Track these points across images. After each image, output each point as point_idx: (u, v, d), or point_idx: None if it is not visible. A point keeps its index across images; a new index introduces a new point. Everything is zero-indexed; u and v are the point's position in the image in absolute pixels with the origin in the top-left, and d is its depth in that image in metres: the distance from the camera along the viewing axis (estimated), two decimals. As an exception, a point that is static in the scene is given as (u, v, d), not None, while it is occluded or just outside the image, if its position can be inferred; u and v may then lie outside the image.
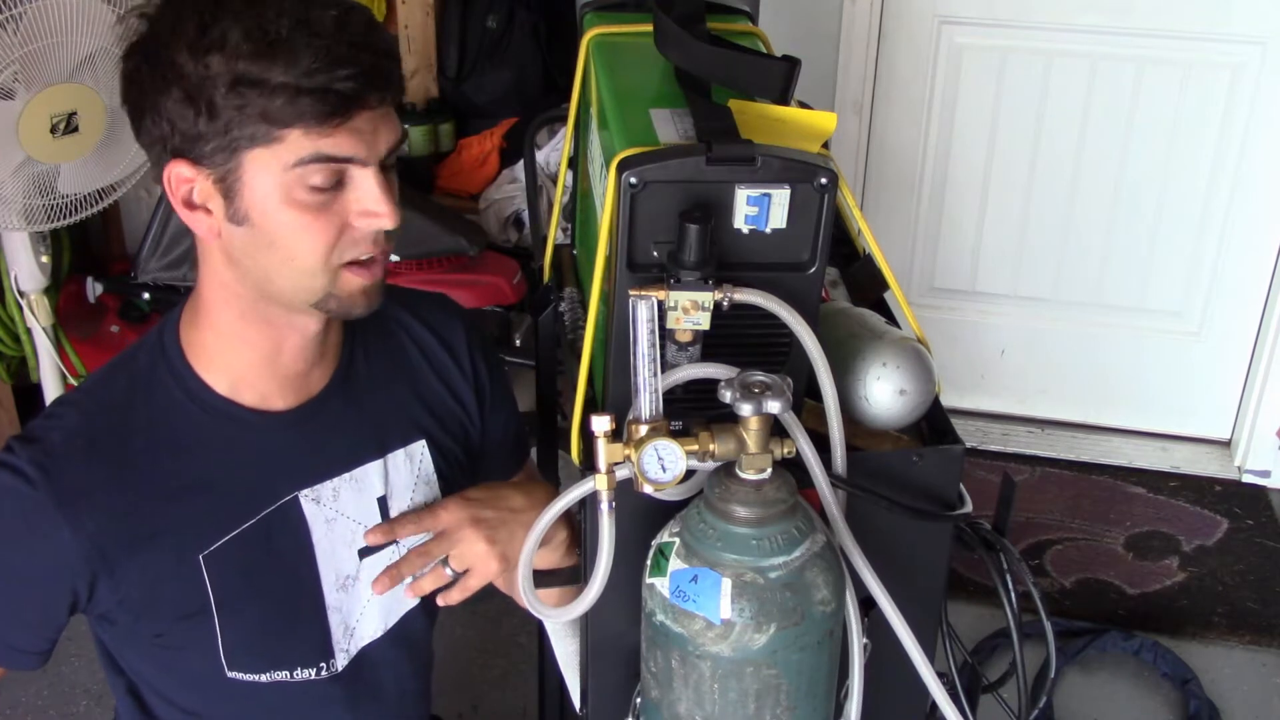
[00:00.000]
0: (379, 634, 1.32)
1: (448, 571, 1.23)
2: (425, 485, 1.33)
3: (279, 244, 1.09)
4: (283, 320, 1.17)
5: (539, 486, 1.29)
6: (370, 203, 1.09)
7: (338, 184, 1.08)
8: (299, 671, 1.27)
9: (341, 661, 1.30)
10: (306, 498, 1.24)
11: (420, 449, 1.32)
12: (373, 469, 1.28)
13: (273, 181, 1.06)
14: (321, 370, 1.25)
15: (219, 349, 1.18)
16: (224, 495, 1.20)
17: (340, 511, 1.26)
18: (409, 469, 1.32)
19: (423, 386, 1.34)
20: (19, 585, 1.17)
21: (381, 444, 1.29)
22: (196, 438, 1.18)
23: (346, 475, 1.26)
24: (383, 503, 1.29)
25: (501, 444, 1.44)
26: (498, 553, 1.22)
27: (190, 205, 1.11)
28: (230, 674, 1.23)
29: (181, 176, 1.09)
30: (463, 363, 1.37)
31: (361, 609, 1.30)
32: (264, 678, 1.25)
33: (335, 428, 1.26)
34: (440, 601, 1.25)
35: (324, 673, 1.28)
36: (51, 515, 1.12)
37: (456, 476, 1.37)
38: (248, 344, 1.18)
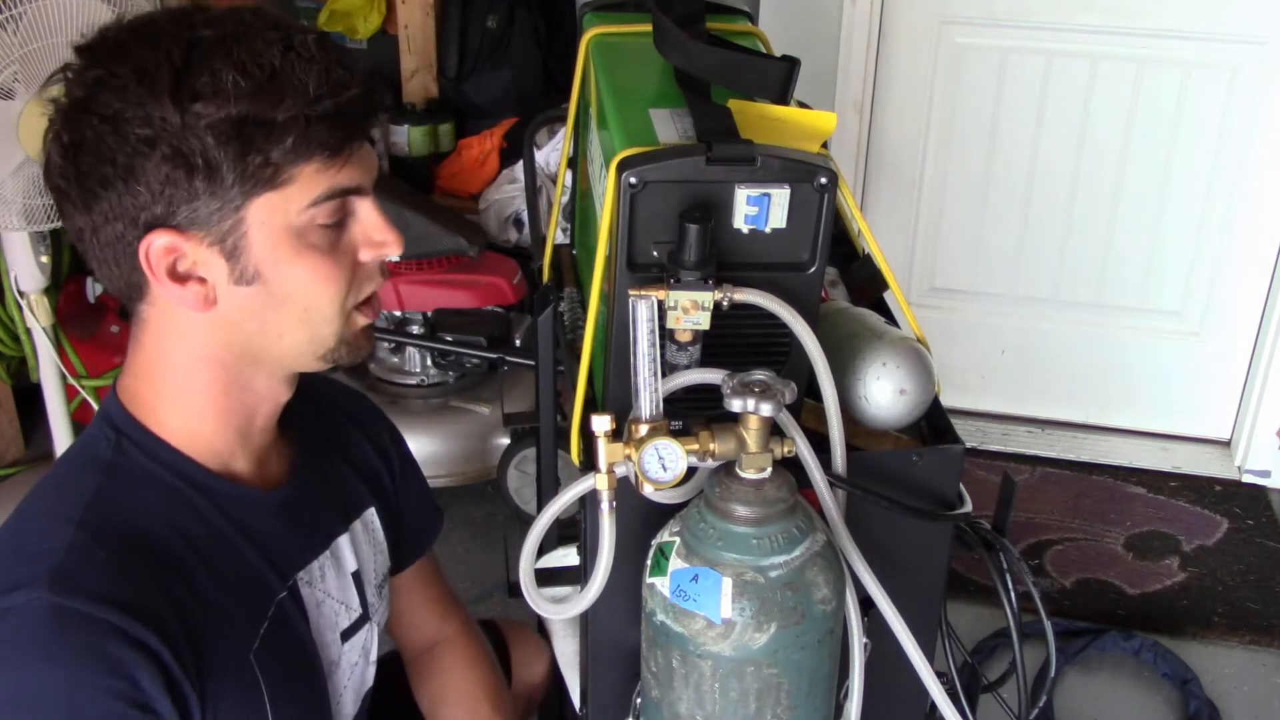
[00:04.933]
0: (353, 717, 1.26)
1: None
2: (380, 554, 1.28)
3: (294, 297, 1.00)
4: (264, 387, 1.08)
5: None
6: (376, 232, 1.03)
7: (341, 220, 1.01)
8: None
9: None
10: (302, 580, 1.15)
11: (371, 516, 1.27)
12: (344, 543, 1.22)
13: (284, 230, 0.98)
14: (278, 447, 1.16)
15: (195, 430, 1.06)
16: (246, 584, 1.08)
17: (327, 593, 1.19)
18: (367, 539, 1.26)
19: (355, 453, 1.27)
20: None
21: (345, 515, 1.23)
22: (206, 525, 1.06)
23: (327, 553, 1.19)
24: (357, 578, 1.23)
25: (419, 511, 1.38)
26: None
27: (177, 278, 0.99)
28: None
29: (165, 248, 0.97)
30: (375, 427, 1.33)
31: (339, 695, 1.22)
32: None
33: (312, 504, 1.18)
34: None
35: None
36: (114, 643, 0.94)
37: (399, 542, 1.32)
38: (221, 419, 1.07)
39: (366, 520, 1.26)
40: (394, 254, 1.04)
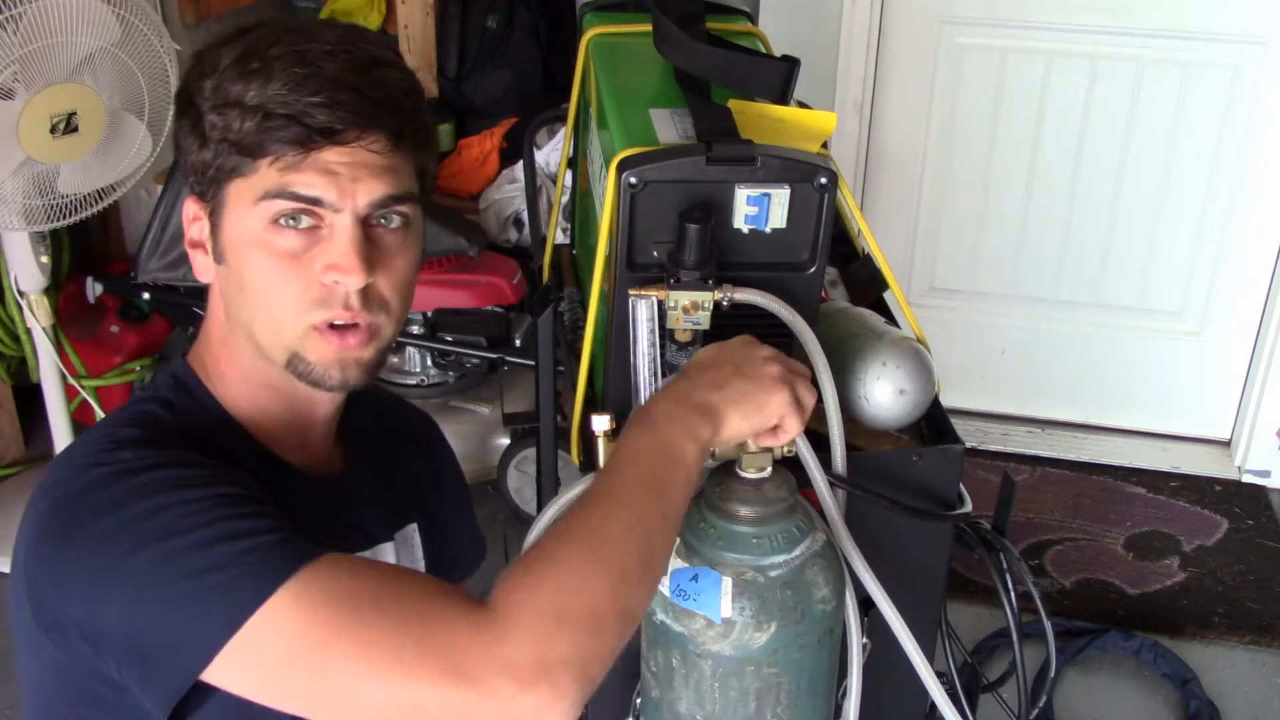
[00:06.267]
0: None
1: None
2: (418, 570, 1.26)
3: (248, 287, 1.02)
4: (285, 386, 1.08)
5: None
6: (335, 254, 0.99)
7: (313, 230, 1.00)
8: None
9: None
10: None
11: (413, 531, 1.26)
12: (388, 549, 1.21)
13: (245, 217, 1.00)
14: (334, 450, 1.17)
15: (240, 404, 1.09)
16: None
17: None
18: (407, 553, 1.25)
19: (408, 469, 1.28)
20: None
21: (392, 524, 1.23)
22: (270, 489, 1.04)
23: (369, 553, 1.18)
24: None
25: (465, 540, 1.38)
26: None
27: (193, 244, 1.07)
28: None
29: (192, 214, 1.06)
30: (435, 449, 1.34)
31: None
32: None
33: (357, 503, 1.18)
34: None
35: None
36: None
37: (435, 563, 1.30)
38: (261, 408, 1.09)
39: (408, 534, 1.25)
40: (352, 285, 1.00)
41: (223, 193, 1.01)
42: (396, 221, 1.03)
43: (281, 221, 0.99)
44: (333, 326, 1.02)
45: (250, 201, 1.00)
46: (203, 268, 1.07)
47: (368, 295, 1.02)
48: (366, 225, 1.01)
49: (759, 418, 0.96)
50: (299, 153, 0.97)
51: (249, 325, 1.04)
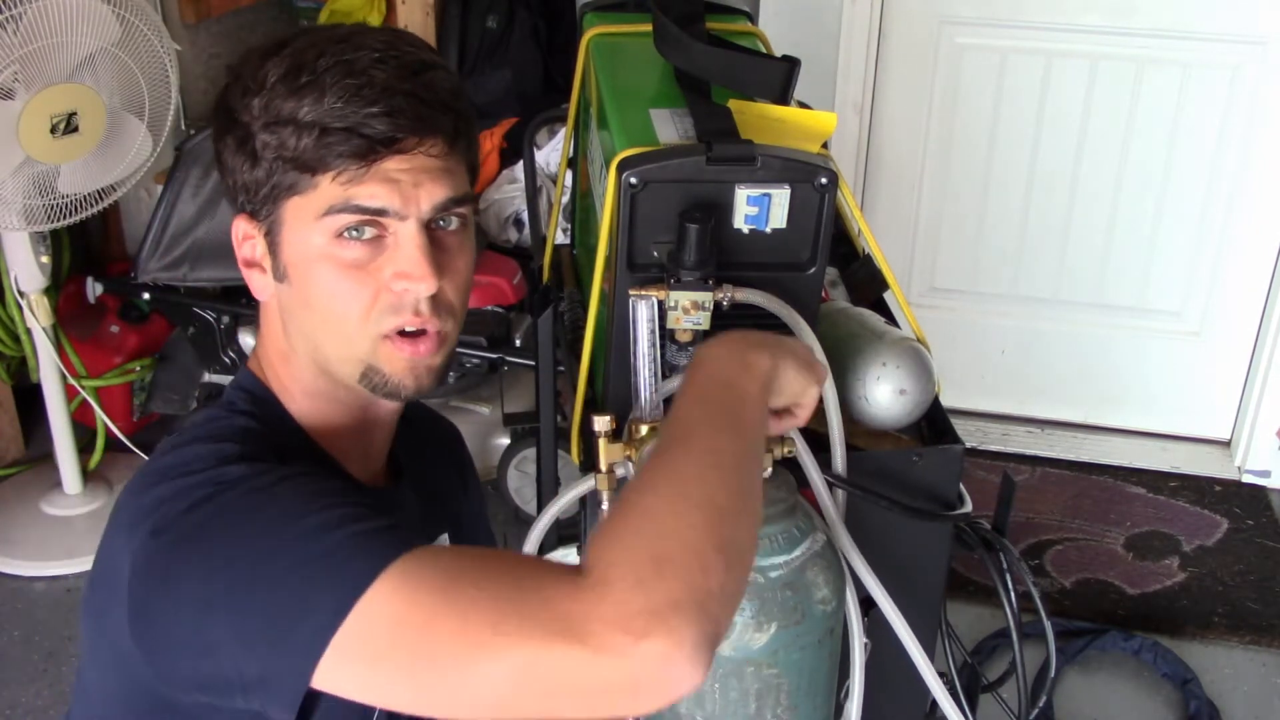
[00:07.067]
0: None
1: None
2: None
3: (314, 303, 1.01)
4: (349, 400, 1.08)
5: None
6: (404, 263, 0.99)
7: (377, 240, 0.99)
8: None
9: None
10: None
11: (445, 541, 1.26)
12: None
13: (307, 233, 0.99)
14: (386, 462, 1.18)
15: (308, 416, 1.09)
16: None
17: None
18: None
19: (440, 477, 1.28)
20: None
21: (428, 535, 1.23)
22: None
23: None
24: None
25: (480, 541, 1.38)
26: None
27: (248, 263, 1.06)
28: None
29: (243, 233, 1.05)
30: (459, 454, 1.35)
31: None
32: None
33: (410, 517, 1.18)
34: None
35: None
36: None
37: None
38: (328, 422, 1.09)
39: (440, 546, 1.24)
40: (423, 291, 1.00)
41: (279, 210, 1.00)
42: (455, 223, 1.03)
43: (345, 234, 0.99)
44: (403, 334, 1.01)
45: (312, 218, 0.99)
46: (260, 286, 1.05)
47: (435, 301, 1.01)
48: (428, 229, 1.00)
49: (809, 373, 0.97)
50: (360, 165, 0.97)
51: (314, 340, 1.03)
